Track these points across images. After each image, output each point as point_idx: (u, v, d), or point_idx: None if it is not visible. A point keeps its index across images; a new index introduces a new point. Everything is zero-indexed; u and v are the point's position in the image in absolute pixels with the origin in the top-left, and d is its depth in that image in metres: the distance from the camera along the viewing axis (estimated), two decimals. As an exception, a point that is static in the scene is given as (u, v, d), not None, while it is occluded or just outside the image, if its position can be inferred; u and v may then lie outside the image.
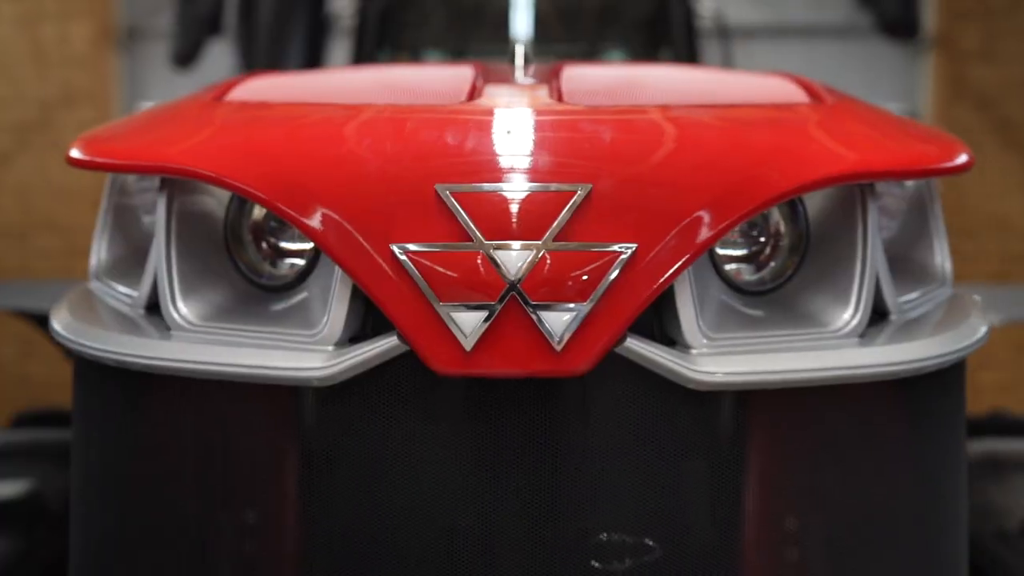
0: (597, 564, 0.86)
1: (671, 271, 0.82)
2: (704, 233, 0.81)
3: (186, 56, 3.04)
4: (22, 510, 1.53)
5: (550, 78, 1.18)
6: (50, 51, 6.18)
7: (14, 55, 6.15)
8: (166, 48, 6.03)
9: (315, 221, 0.82)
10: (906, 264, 1.13)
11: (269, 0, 2.95)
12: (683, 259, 0.81)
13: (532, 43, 3.35)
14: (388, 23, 3.29)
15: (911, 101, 6.30)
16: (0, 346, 6.29)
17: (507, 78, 1.26)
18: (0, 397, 5.88)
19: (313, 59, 3.11)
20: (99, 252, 1.15)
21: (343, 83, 1.31)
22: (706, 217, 0.81)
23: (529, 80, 1.27)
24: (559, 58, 3.62)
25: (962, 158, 1.01)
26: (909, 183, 1.10)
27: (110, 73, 6.28)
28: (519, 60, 1.33)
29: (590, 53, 3.67)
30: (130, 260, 1.13)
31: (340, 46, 3.53)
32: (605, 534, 0.87)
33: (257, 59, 2.97)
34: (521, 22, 3.27)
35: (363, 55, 3.15)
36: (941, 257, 1.12)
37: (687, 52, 3.14)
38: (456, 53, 3.64)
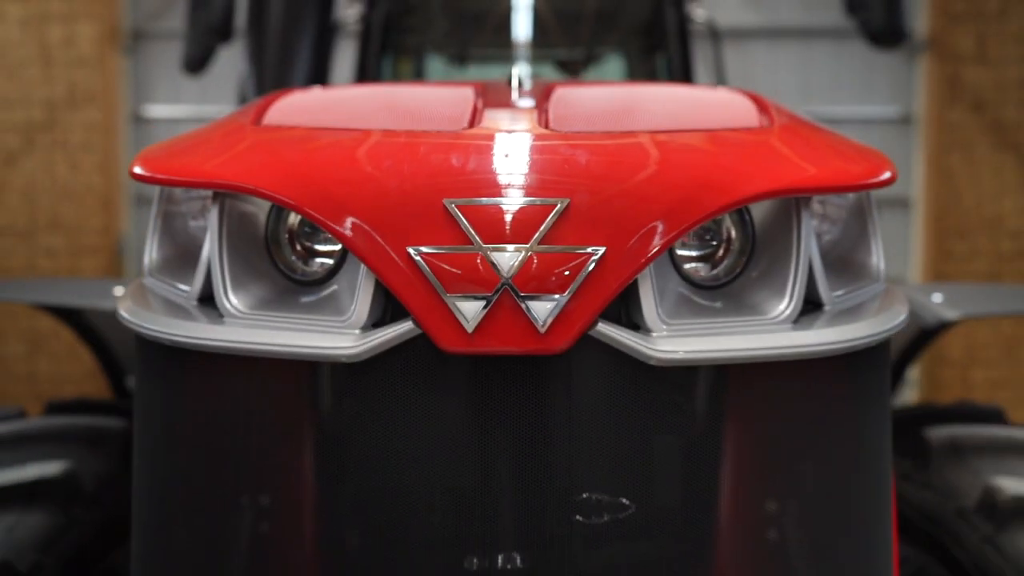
0: (580, 519, 1.03)
1: (634, 268, 0.99)
2: (660, 238, 0.99)
3: (197, 63, 3.11)
4: (60, 488, 1.65)
5: (540, 102, 1.37)
6: (56, 52, 6.26)
7: (21, 56, 6.24)
8: (171, 50, 6.12)
9: (345, 228, 0.99)
10: (847, 263, 1.28)
11: (279, 9, 3.04)
12: (644, 259, 0.99)
13: (532, 48, 3.46)
14: (391, 30, 3.39)
15: (906, 103, 6.39)
16: (8, 344, 6.39)
17: (504, 101, 1.45)
18: (8, 393, 5.98)
19: (321, 65, 3.21)
20: (151, 252, 1.28)
21: (363, 106, 1.46)
22: (662, 225, 0.99)
23: (524, 102, 1.47)
24: (559, 62, 3.73)
25: (885, 175, 1.16)
26: (850, 194, 1.24)
27: (115, 74, 6.37)
28: (515, 82, 1.52)
29: (588, 57, 3.77)
30: (177, 259, 1.28)
31: (345, 52, 3.63)
32: (586, 492, 1.03)
33: (267, 65, 3.07)
34: (521, 28, 3.37)
35: (368, 60, 3.27)
36: (877, 257, 1.26)
37: (680, 57, 3.24)
38: (457, 58, 3.74)
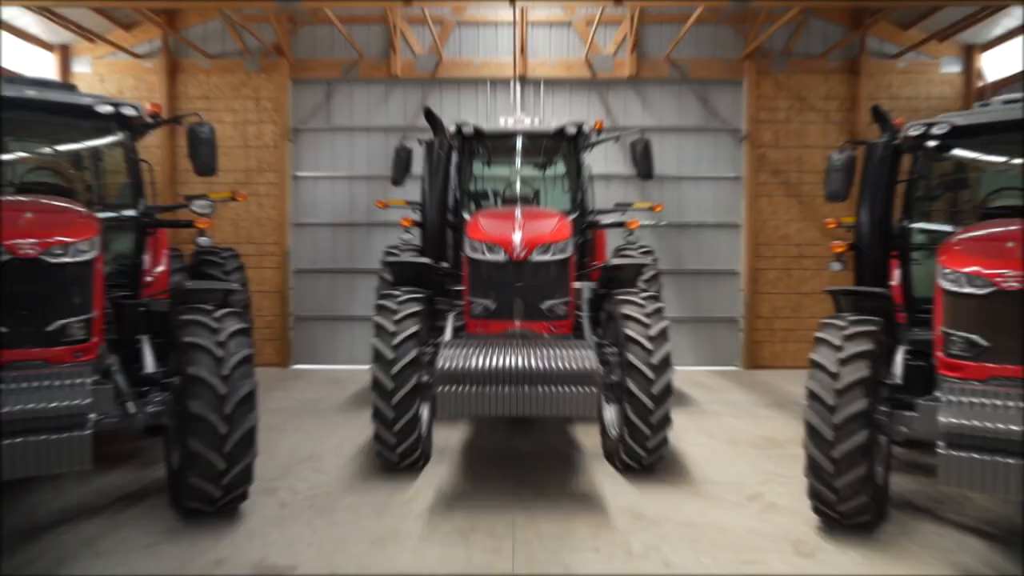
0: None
1: None
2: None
3: (396, 182, 7.78)
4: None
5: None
6: (251, 141, 10.92)
7: (232, 143, 10.88)
8: (315, 140, 10.83)
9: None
10: None
11: (434, 164, 7.34)
12: None
13: (523, 157, 7.95)
14: (459, 152, 7.93)
15: (736, 169, 11.06)
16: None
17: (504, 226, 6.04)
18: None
19: (445, 186, 7.66)
20: None
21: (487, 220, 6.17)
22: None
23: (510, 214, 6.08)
24: (534, 164, 8.35)
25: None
26: None
27: (285, 153, 11.00)
28: (501, 204, 6.19)
29: (547, 162, 8.35)
30: None
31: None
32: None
33: (432, 187, 7.23)
34: (517, 150, 7.96)
35: (448, 170, 7.83)
36: None
37: (576, 174, 7.83)
38: (487, 162, 8.22)
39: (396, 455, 5.52)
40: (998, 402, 3.78)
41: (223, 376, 4.36)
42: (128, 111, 5.25)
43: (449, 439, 6.78)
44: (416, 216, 8.36)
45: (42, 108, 5.06)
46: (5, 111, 4.88)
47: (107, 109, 5.18)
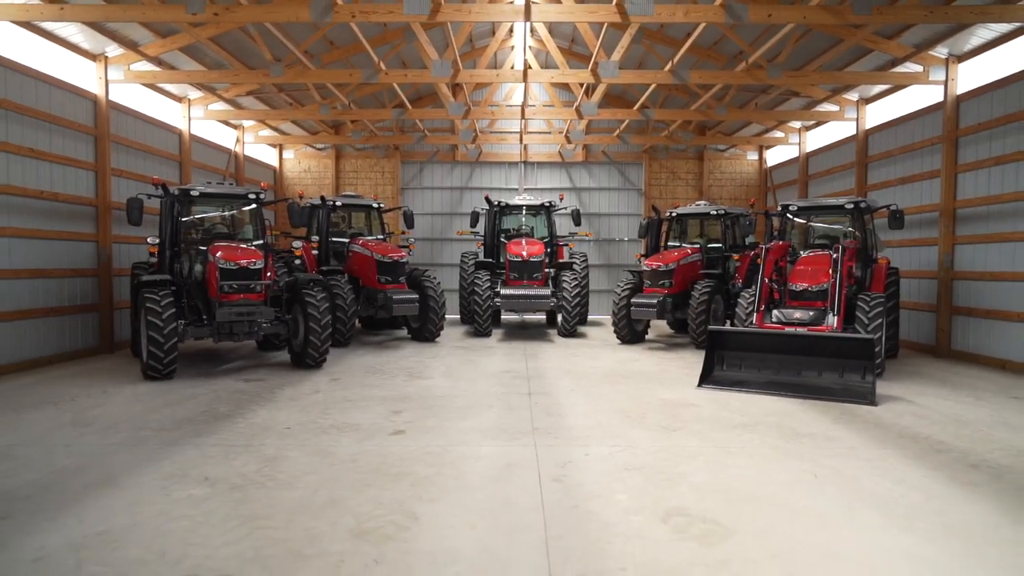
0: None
1: None
2: None
3: (473, 226, 17.17)
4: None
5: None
6: (380, 194, 20.38)
7: (367, 191, 20.35)
8: (415, 195, 20.41)
9: None
10: None
11: (488, 221, 16.77)
12: None
13: (526, 209, 17.44)
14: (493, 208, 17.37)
15: (638, 211, 20.56)
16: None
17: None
18: None
19: (494, 230, 17.08)
20: None
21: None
22: None
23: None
24: (532, 212, 17.85)
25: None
26: None
27: (398, 202, 20.43)
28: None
29: (540, 210, 17.84)
30: None
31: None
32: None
33: (486, 238, 17.01)
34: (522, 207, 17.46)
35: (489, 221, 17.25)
36: None
37: (548, 220, 17.36)
38: (508, 209, 17.65)
39: (482, 329, 15.15)
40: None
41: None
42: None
43: (504, 326, 16.42)
44: (480, 239, 17.84)
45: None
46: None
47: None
